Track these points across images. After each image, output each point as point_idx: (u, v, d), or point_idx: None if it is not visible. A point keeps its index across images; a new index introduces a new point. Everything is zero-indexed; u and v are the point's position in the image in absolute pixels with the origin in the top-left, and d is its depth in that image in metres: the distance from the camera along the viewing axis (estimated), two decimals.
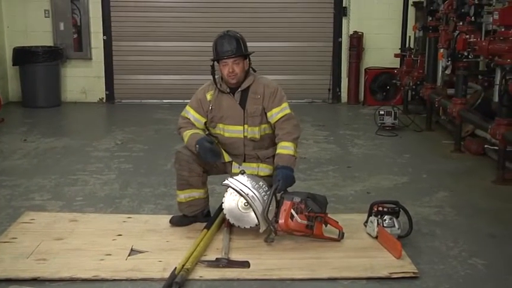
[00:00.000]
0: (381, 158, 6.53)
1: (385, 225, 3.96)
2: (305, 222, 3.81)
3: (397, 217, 4.02)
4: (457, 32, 6.43)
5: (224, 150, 4.21)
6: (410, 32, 9.29)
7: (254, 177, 4.03)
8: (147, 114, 9.03)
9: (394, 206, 4.06)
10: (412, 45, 9.16)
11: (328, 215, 3.97)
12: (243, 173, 4.07)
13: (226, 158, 4.19)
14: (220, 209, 4.10)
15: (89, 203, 4.87)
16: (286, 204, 3.80)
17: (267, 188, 3.92)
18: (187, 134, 4.14)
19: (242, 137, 4.14)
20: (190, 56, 9.76)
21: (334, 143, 7.16)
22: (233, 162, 4.20)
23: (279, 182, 3.85)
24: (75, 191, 5.17)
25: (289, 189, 3.97)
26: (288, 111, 4.11)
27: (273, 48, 9.88)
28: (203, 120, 4.20)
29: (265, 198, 3.85)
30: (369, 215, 4.09)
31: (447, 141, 7.09)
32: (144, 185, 5.36)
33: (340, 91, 10.14)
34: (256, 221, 3.89)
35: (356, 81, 9.98)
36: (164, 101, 9.94)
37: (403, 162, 6.27)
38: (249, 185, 3.90)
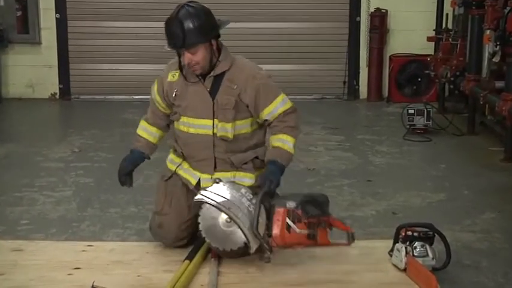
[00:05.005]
0: (410, 169, 6.56)
1: (415, 254, 3.97)
2: (305, 231, 3.80)
3: (430, 244, 4.03)
4: (508, 8, 6.45)
5: (189, 155, 4.20)
6: (448, 9, 9.35)
7: (233, 184, 4.00)
8: (113, 114, 9.06)
9: (427, 230, 4.07)
10: (450, 26, 9.21)
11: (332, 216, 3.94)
12: (218, 181, 4.00)
13: (192, 180, 4.18)
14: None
15: (37, 227, 4.87)
16: (279, 212, 3.77)
17: (251, 196, 3.90)
18: (140, 124, 4.41)
19: (211, 133, 4.11)
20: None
21: (350, 150, 7.19)
22: (201, 177, 4.17)
23: (268, 183, 3.85)
24: (19, 212, 5.17)
25: (280, 192, 3.97)
26: (290, 102, 4.14)
27: (272, 31, 9.91)
28: (162, 104, 4.27)
29: (251, 209, 3.83)
30: (395, 242, 4.10)
31: (495, 147, 7.14)
32: (109, 204, 5.38)
33: (358, 85, 10.20)
34: (244, 239, 3.86)
35: (378, 72, 10.04)
36: (134, 97, 9.95)
37: (438, 175, 6.30)
38: (229, 196, 3.88)
